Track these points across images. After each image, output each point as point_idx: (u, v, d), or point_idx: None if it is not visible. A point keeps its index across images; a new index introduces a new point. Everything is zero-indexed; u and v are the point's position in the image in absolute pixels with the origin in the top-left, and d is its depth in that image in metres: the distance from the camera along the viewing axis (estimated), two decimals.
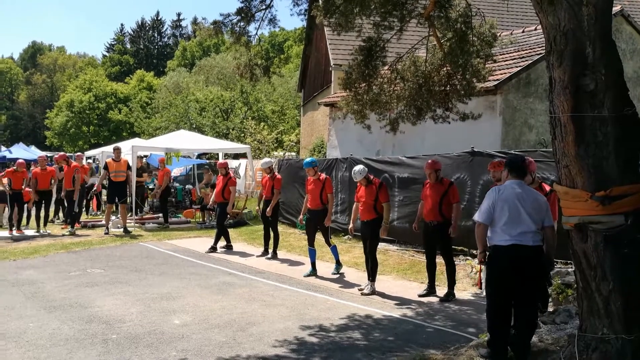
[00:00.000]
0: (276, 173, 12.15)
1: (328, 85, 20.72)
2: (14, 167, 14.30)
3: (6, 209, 14.47)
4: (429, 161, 8.48)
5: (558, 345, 5.33)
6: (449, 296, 8.17)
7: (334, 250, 9.98)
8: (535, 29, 14.50)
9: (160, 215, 16.33)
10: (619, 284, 4.40)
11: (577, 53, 4.46)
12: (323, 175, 10.08)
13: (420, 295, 8.37)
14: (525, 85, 11.77)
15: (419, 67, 8.48)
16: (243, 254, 11.87)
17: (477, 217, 5.58)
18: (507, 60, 12.58)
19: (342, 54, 18.70)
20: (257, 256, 11.57)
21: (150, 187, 18.30)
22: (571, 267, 6.91)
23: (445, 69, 8.42)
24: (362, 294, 8.54)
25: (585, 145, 4.45)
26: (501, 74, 11.60)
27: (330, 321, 7.16)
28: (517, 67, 11.81)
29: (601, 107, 4.41)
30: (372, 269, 8.66)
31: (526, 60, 12.03)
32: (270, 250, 11.56)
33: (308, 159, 10.47)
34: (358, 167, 8.86)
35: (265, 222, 11.70)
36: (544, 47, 5.09)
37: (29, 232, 14.32)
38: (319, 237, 9.99)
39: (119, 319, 7.10)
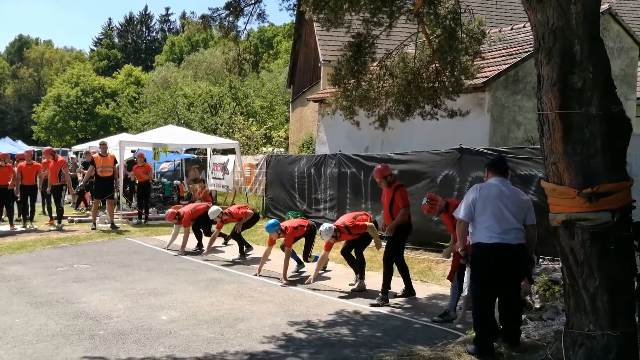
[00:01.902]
0: (232, 210, 11.43)
1: (317, 81, 20.66)
2: None
3: None
4: (377, 167, 8.31)
5: (545, 342, 5.37)
6: (382, 301, 7.80)
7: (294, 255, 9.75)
8: (524, 27, 14.52)
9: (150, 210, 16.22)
10: (605, 280, 4.44)
11: (566, 51, 4.48)
12: (291, 231, 9.33)
13: (397, 296, 8.19)
14: (514, 83, 11.80)
15: (408, 64, 8.47)
16: (231, 251, 11.81)
17: (457, 214, 5.61)
18: (495, 58, 12.61)
19: (332, 50, 18.67)
20: (233, 259, 11.11)
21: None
22: (558, 264, 6.96)
23: (433, 65, 8.43)
24: (352, 290, 8.56)
25: (573, 142, 4.48)
26: (489, 71, 11.62)
27: (318, 317, 7.17)
28: (505, 64, 11.83)
29: (589, 104, 4.43)
30: (360, 267, 8.72)
31: (514, 58, 12.05)
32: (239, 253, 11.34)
33: (270, 223, 9.38)
34: (323, 227, 8.56)
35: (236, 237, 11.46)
36: (532, 45, 5.11)
37: (17, 227, 14.20)
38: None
39: (106, 314, 7.07)
